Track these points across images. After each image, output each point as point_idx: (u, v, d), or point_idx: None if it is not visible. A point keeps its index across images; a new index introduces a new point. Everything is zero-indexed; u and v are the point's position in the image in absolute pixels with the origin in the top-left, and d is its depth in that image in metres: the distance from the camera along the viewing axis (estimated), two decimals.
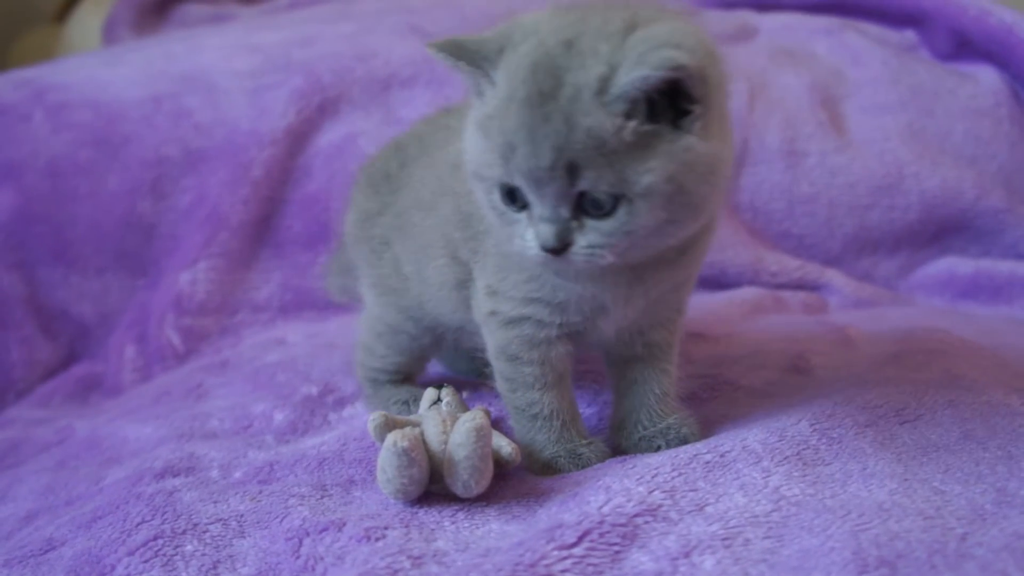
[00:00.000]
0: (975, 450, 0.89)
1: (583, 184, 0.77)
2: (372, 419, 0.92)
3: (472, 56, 0.81)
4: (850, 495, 0.79)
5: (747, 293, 1.74)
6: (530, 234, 0.82)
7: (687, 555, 0.71)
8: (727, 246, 1.83)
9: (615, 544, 0.73)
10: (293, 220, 1.78)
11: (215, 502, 0.92)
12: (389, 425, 0.92)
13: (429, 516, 0.83)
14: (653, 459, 0.87)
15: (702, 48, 0.79)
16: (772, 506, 0.77)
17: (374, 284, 1.16)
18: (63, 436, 1.30)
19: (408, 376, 1.21)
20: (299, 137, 1.84)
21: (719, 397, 1.11)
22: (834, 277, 1.85)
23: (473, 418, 0.86)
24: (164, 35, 2.34)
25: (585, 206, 0.79)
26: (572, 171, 0.77)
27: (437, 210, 1.04)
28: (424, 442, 0.87)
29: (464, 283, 1.02)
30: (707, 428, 1.01)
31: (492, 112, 0.80)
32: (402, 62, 1.93)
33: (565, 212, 0.79)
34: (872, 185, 1.90)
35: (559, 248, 0.80)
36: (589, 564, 0.71)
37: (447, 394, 1.01)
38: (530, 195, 0.80)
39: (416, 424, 0.92)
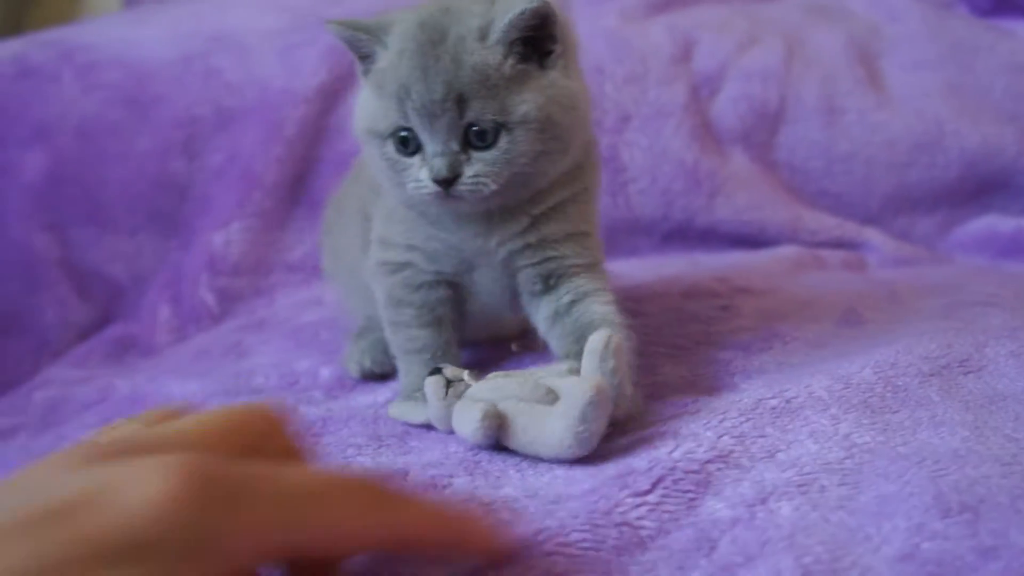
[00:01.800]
0: None
1: (471, 115, 0.89)
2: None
3: (367, 27, 0.93)
4: (922, 442, 0.77)
5: (787, 251, 1.72)
6: (424, 173, 0.91)
7: (763, 501, 0.70)
8: (765, 204, 1.81)
9: (689, 491, 0.71)
10: (327, 179, 1.76)
11: None
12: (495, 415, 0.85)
13: (493, 465, 0.82)
14: (717, 404, 0.86)
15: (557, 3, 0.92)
16: (844, 453, 0.76)
17: None
18: (105, 394, 1.29)
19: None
20: (331, 95, 1.81)
21: (773, 348, 1.10)
22: (873, 235, 1.83)
23: (608, 337, 0.84)
24: None
25: (471, 139, 0.90)
26: (461, 103, 0.88)
27: (358, 183, 1.19)
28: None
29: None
30: (765, 376, 0.99)
31: (386, 66, 0.91)
32: None
33: (455, 145, 0.90)
34: (911, 143, 1.88)
35: (451, 178, 0.90)
36: (665, 511, 0.69)
37: (456, 372, 0.93)
38: (423, 133, 0.90)
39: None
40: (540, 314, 1.04)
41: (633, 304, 1.32)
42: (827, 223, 1.83)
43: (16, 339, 1.64)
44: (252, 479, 0.48)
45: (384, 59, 0.92)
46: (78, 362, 1.57)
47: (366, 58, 0.95)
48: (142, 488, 0.44)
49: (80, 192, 1.72)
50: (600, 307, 1.01)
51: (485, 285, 1.05)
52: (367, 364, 1.16)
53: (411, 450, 0.89)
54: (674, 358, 1.09)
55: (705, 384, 1.01)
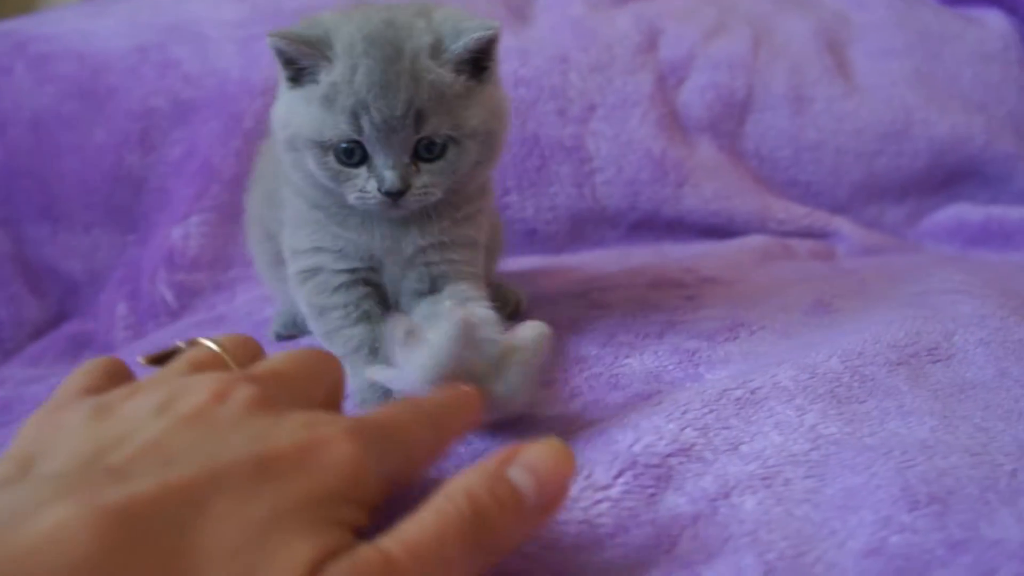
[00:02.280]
0: (1013, 387, 0.85)
1: (427, 129, 0.91)
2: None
3: (310, 40, 0.92)
4: (889, 433, 0.75)
5: (755, 240, 1.71)
6: (371, 184, 0.93)
7: (726, 496, 0.67)
8: (733, 193, 1.79)
9: (649, 486, 0.69)
10: None
11: None
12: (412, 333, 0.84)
13: (449, 460, 0.79)
14: (680, 395, 0.83)
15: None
16: (810, 445, 0.73)
17: None
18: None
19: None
20: None
21: (739, 338, 1.07)
22: (842, 224, 1.82)
23: (542, 325, 0.85)
24: None
25: (420, 152, 0.93)
26: (419, 118, 0.91)
27: (253, 192, 1.22)
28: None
29: (279, 259, 1.13)
30: (731, 366, 0.97)
31: (337, 81, 0.90)
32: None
33: (405, 158, 0.92)
34: (880, 131, 1.87)
35: (403, 190, 0.93)
36: (624, 507, 0.67)
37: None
38: (375, 147, 0.92)
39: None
40: (418, 313, 1.06)
41: (597, 295, 1.30)
42: (796, 212, 1.82)
43: None
44: (382, 427, 0.58)
45: (332, 73, 0.91)
46: (32, 361, 1.53)
47: (300, 68, 0.94)
48: (337, 449, 0.52)
49: (34, 186, 1.68)
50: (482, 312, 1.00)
51: (392, 281, 1.07)
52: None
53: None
54: (638, 349, 1.06)
55: (668, 375, 0.98)
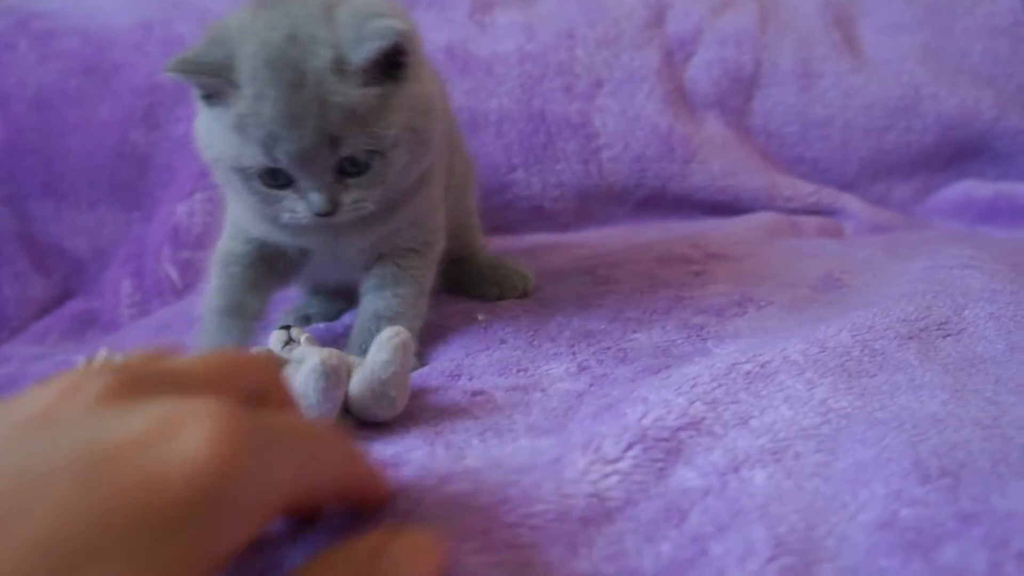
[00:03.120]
0: (1023, 361, 0.85)
1: (344, 151, 0.89)
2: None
3: (210, 68, 0.88)
4: (900, 406, 0.74)
5: (763, 217, 1.70)
6: (300, 205, 0.92)
7: (736, 470, 0.67)
8: (740, 170, 1.78)
9: (659, 460, 0.68)
10: None
11: None
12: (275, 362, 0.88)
13: (455, 436, 0.79)
14: (689, 369, 0.83)
15: (395, 8, 0.94)
16: (820, 419, 0.73)
17: None
18: (60, 371, 1.25)
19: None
20: None
21: (748, 313, 1.07)
22: (849, 201, 1.81)
23: (397, 334, 0.84)
24: None
25: (345, 168, 0.91)
26: (333, 143, 0.88)
27: None
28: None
29: None
30: (740, 340, 0.97)
31: (245, 111, 0.87)
32: None
33: (329, 178, 0.91)
34: (888, 107, 1.86)
35: (332, 209, 0.92)
36: (634, 480, 0.66)
37: (298, 333, 0.95)
38: (296, 173, 0.90)
39: (293, 361, 0.87)
40: (364, 285, 1.08)
41: (604, 271, 1.30)
42: (803, 189, 1.81)
43: None
44: (277, 429, 0.46)
45: (239, 101, 0.88)
46: (37, 338, 1.53)
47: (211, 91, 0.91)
48: (193, 436, 0.39)
49: (38, 164, 1.67)
50: (390, 299, 1.05)
51: (325, 263, 1.09)
52: None
53: (369, 424, 0.86)
54: (646, 324, 1.06)
55: (677, 350, 0.98)
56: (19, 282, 1.62)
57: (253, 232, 1.06)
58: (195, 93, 0.94)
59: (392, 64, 0.91)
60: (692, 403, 0.75)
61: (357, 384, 0.83)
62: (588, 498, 0.64)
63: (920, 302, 0.98)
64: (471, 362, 0.99)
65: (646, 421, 0.72)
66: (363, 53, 0.87)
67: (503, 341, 1.05)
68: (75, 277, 1.67)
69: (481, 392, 0.88)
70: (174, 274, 1.62)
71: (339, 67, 0.88)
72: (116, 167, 1.70)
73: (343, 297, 1.25)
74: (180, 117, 1.72)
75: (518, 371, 0.96)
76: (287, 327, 0.96)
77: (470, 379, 0.92)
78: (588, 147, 1.78)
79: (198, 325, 1.08)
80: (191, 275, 1.63)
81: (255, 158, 0.89)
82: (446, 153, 1.12)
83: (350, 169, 0.91)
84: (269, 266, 1.08)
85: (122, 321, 1.57)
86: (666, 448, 0.70)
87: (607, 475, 0.66)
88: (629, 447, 0.69)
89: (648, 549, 0.60)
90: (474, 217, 1.36)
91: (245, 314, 1.06)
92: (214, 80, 0.88)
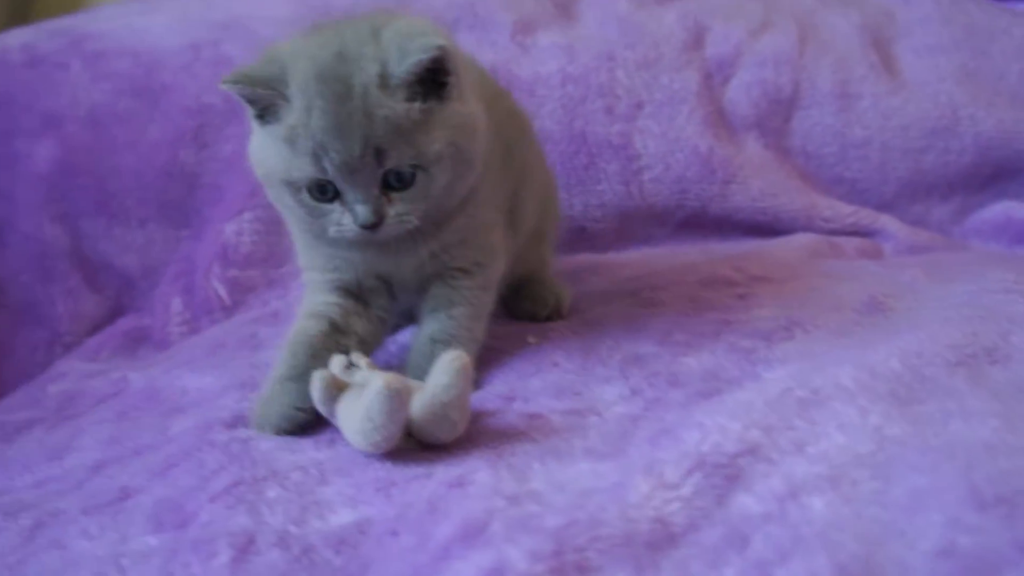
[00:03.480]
0: None
1: (389, 163, 0.93)
2: (318, 377, 0.92)
3: (264, 82, 0.94)
4: (952, 434, 0.76)
5: (803, 238, 1.71)
6: (347, 218, 0.96)
7: (794, 496, 0.69)
8: (779, 191, 1.80)
9: (718, 486, 0.71)
10: None
11: (292, 451, 0.90)
12: (336, 385, 0.92)
13: (515, 459, 0.81)
14: (742, 395, 0.85)
15: (438, 30, 0.98)
16: (875, 446, 0.75)
17: None
18: (119, 388, 1.28)
19: None
20: None
21: (795, 337, 1.09)
22: (888, 222, 1.82)
23: (457, 357, 0.88)
24: None
25: (390, 182, 0.95)
26: (379, 155, 0.92)
27: None
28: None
29: None
30: (789, 365, 0.98)
31: (295, 123, 0.93)
32: (444, 6, 1.89)
33: (375, 191, 0.94)
34: (926, 128, 1.87)
35: (377, 222, 0.95)
36: (695, 506, 0.68)
37: (358, 357, 0.99)
38: (343, 185, 0.94)
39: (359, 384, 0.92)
40: (421, 308, 1.10)
41: (649, 293, 1.31)
42: (842, 210, 1.82)
43: (28, 331, 1.63)
44: None
45: (290, 114, 0.93)
46: (91, 355, 1.56)
47: (264, 106, 0.96)
48: None
49: (90, 182, 1.71)
50: (445, 322, 1.07)
51: (404, 297, 1.11)
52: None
53: (430, 447, 0.88)
54: (694, 347, 1.08)
55: (726, 374, 1.00)
56: (72, 298, 1.66)
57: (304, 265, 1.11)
58: (249, 112, 0.99)
59: (435, 83, 0.95)
60: (747, 429, 0.77)
61: (419, 407, 0.86)
62: (652, 523, 0.66)
63: (966, 328, 0.99)
64: (525, 385, 1.02)
65: (704, 447, 0.74)
66: (405, 66, 0.93)
67: (555, 364, 1.07)
68: (126, 294, 1.70)
69: (538, 415, 0.90)
70: (223, 292, 1.65)
71: (384, 81, 0.93)
72: (166, 186, 1.73)
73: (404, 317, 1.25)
74: (229, 137, 1.75)
75: (572, 394, 0.98)
76: (347, 351, 1.00)
77: (525, 402, 0.94)
78: (629, 168, 1.80)
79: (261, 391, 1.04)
80: (239, 293, 1.65)
81: (304, 169, 0.94)
82: (501, 175, 1.14)
83: (394, 183, 0.95)
84: (336, 344, 1.06)
85: (172, 338, 1.59)
86: (725, 474, 0.72)
87: (669, 500, 0.69)
88: (689, 473, 0.71)
89: (713, 575, 0.62)
90: (548, 244, 1.38)
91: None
92: (267, 92, 0.94)
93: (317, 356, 1.02)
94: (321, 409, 0.93)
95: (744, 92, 1.89)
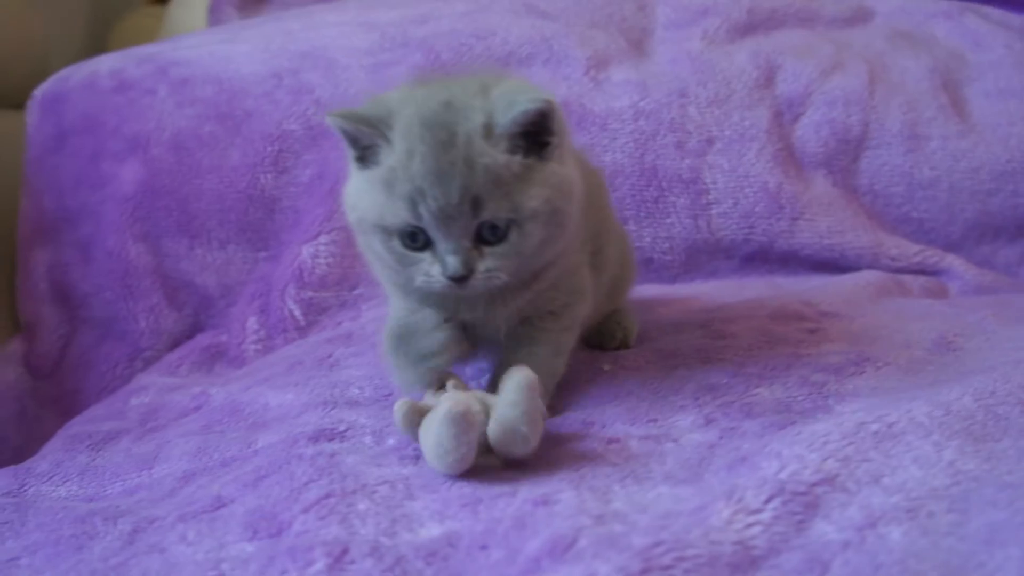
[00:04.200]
0: None
1: (485, 214, 0.93)
2: (399, 406, 0.94)
3: (371, 121, 0.95)
4: None
5: (869, 276, 1.72)
6: (435, 269, 0.95)
7: (872, 526, 0.71)
8: (847, 229, 1.81)
9: (798, 513, 0.73)
10: None
11: (378, 465, 0.93)
12: (416, 411, 0.94)
13: (596, 480, 0.84)
14: (818, 427, 0.86)
15: (548, 91, 0.97)
16: (950, 480, 0.76)
17: None
18: (200, 402, 1.32)
19: None
20: None
21: (866, 372, 1.10)
22: (954, 262, 1.82)
23: (520, 372, 0.91)
24: (277, 15, 2.35)
25: (483, 235, 0.95)
26: (476, 204, 0.92)
27: None
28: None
29: None
30: (860, 400, 1.01)
31: (395, 166, 0.94)
32: (520, 41, 1.93)
33: (467, 243, 0.94)
34: (996, 170, 1.88)
35: (466, 274, 0.94)
36: (776, 531, 0.70)
37: (445, 377, 1.02)
38: (436, 233, 0.94)
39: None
40: (505, 344, 1.10)
41: (720, 325, 1.33)
42: (908, 249, 1.83)
43: (111, 345, 1.69)
44: None
45: (391, 156, 0.94)
46: (170, 369, 1.61)
47: (364, 147, 0.98)
48: None
49: (173, 204, 1.76)
50: (525, 359, 1.03)
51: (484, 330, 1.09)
52: None
53: (511, 466, 0.91)
54: (767, 380, 1.10)
55: (798, 406, 1.02)
56: (153, 315, 1.71)
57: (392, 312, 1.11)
58: (349, 154, 1.00)
59: (538, 142, 0.96)
60: (825, 460, 0.80)
61: (492, 425, 0.89)
62: (734, 545, 0.69)
63: None
64: (602, 411, 1.04)
65: (783, 475, 0.77)
66: (512, 115, 0.93)
67: (630, 392, 1.09)
68: (204, 312, 1.75)
69: (616, 440, 0.93)
70: (298, 312, 1.69)
71: (488, 131, 0.94)
72: (245, 209, 1.78)
73: None
74: (308, 163, 1.80)
75: (648, 421, 1.00)
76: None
77: (603, 427, 0.97)
78: (698, 202, 1.82)
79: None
80: (313, 314, 1.69)
81: (399, 215, 0.94)
82: (584, 218, 1.12)
83: (488, 236, 0.95)
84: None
85: (248, 356, 1.64)
86: (804, 502, 0.74)
87: (750, 525, 0.71)
88: (770, 499, 0.73)
89: None
90: (624, 292, 1.38)
91: None
92: (371, 131, 0.95)
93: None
94: (405, 434, 0.96)
95: (813, 131, 1.91)
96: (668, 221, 1.81)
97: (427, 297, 1.04)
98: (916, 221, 1.88)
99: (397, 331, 1.03)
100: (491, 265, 0.95)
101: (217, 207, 1.77)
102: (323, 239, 1.74)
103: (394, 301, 1.14)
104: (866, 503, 0.74)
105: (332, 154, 1.79)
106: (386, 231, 0.97)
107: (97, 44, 2.94)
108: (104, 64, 1.90)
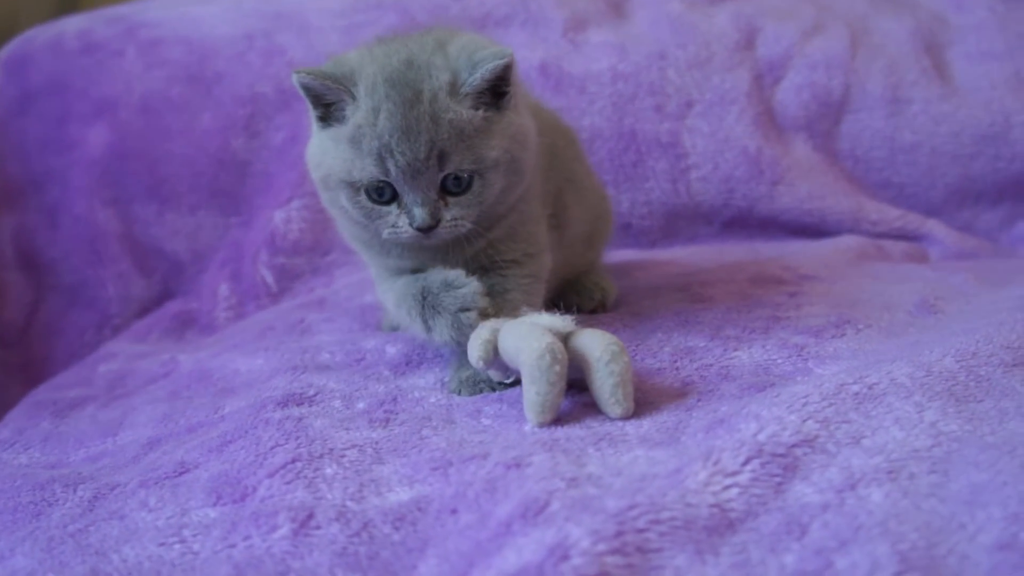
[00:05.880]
0: None
1: (450, 167, 0.97)
2: (478, 342, 0.94)
3: (335, 78, 0.98)
4: (1010, 432, 0.76)
5: (849, 240, 1.71)
6: (402, 220, 0.99)
7: (852, 487, 0.69)
8: (827, 194, 1.80)
9: (776, 475, 0.71)
10: None
11: (346, 429, 0.91)
12: (492, 340, 0.94)
13: (571, 444, 0.81)
14: (798, 388, 0.85)
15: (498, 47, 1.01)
16: (931, 441, 0.74)
17: None
18: (168, 369, 1.30)
19: None
20: None
21: (847, 335, 1.08)
22: (935, 227, 1.81)
23: (607, 337, 0.90)
24: None
25: (448, 186, 0.98)
26: (441, 158, 0.96)
27: None
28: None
29: None
30: (841, 361, 0.99)
31: (362, 123, 0.97)
32: (496, 2, 1.90)
33: (433, 195, 0.98)
34: (977, 134, 1.86)
35: (433, 224, 0.98)
36: (753, 493, 0.68)
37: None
38: (403, 187, 0.97)
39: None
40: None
41: (699, 289, 1.31)
42: (889, 214, 1.81)
43: (79, 312, 1.66)
44: None
45: (356, 114, 0.97)
46: (139, 337, 1.58)
47: (326, 105, 1.00)
48: None
49: (142, 168, 1.73)
50: (500, 304, 1.06)
51: None
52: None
53: (486, 429, 0.89)
54: (745, 342, 1.08)
55: (778, 369, 1.00)
56: (122, 281, 1.68)
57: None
58: (311, 114, 1.02)
59: (497, 93, 0.99)
60: (804, 421, 0.78)
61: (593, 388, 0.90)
62: (710, 508, 0.67)
63: (1021, 330, 0.98)
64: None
65: (761, 436, 0.75)
66: (479, 74, 0.96)
67: None
68: (174, 278, 1.73)
69: (591, 403, 0.91)
70: (270, 278, 1.67)
71: (454, 88, 0.97)
72: (216, 173, 1.75)
73: None
74: (279, 126, 1.77)
75: None
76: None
77: (578, 391, 0.95)
78: (677, 166, 1.80)
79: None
80: (286, 280, 1.67)
81: (367, 170, 0.97)
82: (544, 175, 1.15)
83: (452, 188, 0.98)
84: None
85: (219, 323, 1.61)
86: (783, 464, 0.72)
87: (727, 487, 0.69)
88: (747, 461, 0.71)
89: (772, 560, 0.62)
90: (597, 250, 1.38)
91: None
92: (336, 88, 0.98)
93: None
94: (486, 368, 0.96)
95: (794, 94, 1.89)
96: (647, 186, 1.79)
97: (391, 249, 1.07)
98: (897, 186, 1.87)
99: (418, 291, 1.03)
100: (456, 214, 0.99)
101: (187, 171, 1.75)
102: (295, 204, 1.71)
103: (375, 270, 1.17)
104: (846, 464, 0.72)
105: (304, 118, 1.72)
106: (353, 186, 0.99)
107: (68, 4, 2.88)
108: (71, 25, 1.86)
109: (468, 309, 1.00)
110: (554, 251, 1.17)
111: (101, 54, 1.80)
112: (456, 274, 1.03)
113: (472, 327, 0.98)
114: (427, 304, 1.02)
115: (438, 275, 1.03)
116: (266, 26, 1.86)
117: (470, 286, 1.01)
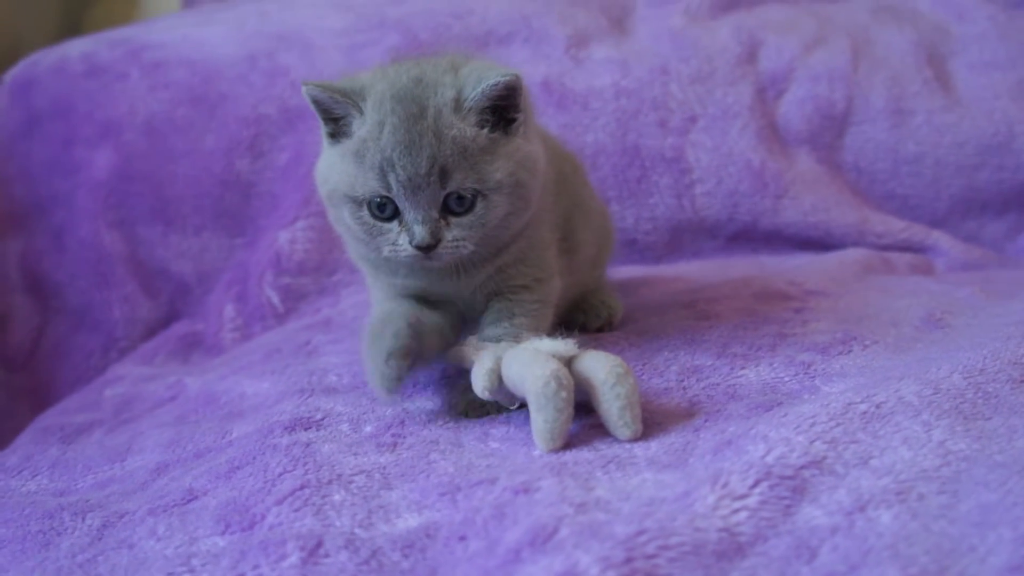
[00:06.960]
0: None
1: (452, 185, 0.96)
2: (483, 373, 0.94)
3: (344, 92, 0.98)
4: (1019, 450, 0.75)
5: (855, 253, 1.71)
6: (403, 238, 0.98)
7: (861, 509, 0.69)
8: (831, 206, 1.79)
9: (785, 497, 0.71)
10: None
11: (354, 454, 0.91)
12: (497, 370, 0.94)
13: (579, 468, 0.81)
14: (805, 408, 0.84)
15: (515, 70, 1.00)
16: (940, 460, 0.74)
17: None
18: (175, 392, 1.30)
19: None
20: None
21: (853, 351, 1.08)
22: (940, 239, 1.81)
23: (611, 359, 0.89)
24: None
25: (450, 205, 0.97)
26: (443, 175, 0.95)
27: None
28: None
29: None
30: (848, 379, 0.99)
31: (366, 137, 0.97)
32: (499, 19, 1.91)
33: (434, 213, 0.97)
34: (981, 144, 1.86)
35: (433, 244, 0.96)
36: (763, 517, 0.68)
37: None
38: (404, 202, 0.96)
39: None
40: (482, 320, 1.10)
41: (704, 305, 1.31)
42: (894, 226, 1.81)
43: (86, 334, 1.66)
44: None
45: (362, 128, 0.98)
46: (146, 359, 1.58)
47: (336, 120, 1.00)
48: None
49: (147, 189, 1.74)
50: (507, 328, 1.07)
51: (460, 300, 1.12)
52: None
53: (493, 452, 0.89)
54: (753, 360, 1.08)
55: (785, 387, 1.00)
56: (128, 304, 1.68)
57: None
58: (322, 129, 1.02)
59: (504, 118, 0.99)
60: (812, 442, 0.77)
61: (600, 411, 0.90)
62: (719, 532, 0.67)
63: None
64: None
65: (769, 459, 0.74)
66: (481, 89, 0.96)
67: None
68: (180, 300, 1.73)
69: (598, 425, 0.91)
70: (275, 299, 1.67)
71: (458, 104, 0.97)
72: (221, 194, 1.75)
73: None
74: (284, 146, 1.77)
75: None
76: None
77: (586, 412, 0.94)
78: (681, 181, 1.80)
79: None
80: (292, 300, 1.67)
81: (368, 184, 0.97)
82: (555, 200, 1.15)
83: (454, 207, 0.97)
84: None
85: (225, 344, 1.61)
86: (791, 486, 0.72)
87: (736, 510, 0.69)
88: (756, 484, 0.71)
89: None
90: (603, 269, 1.39)
91: None
92: (345, 102, 0.98)
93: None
94: (494, 397, 0.95)
95: (797, 107, 1.89)
96: (651, 201, 1.79)
97: (396, 269, 1.06)
98: (901, 197, 1.87)
99: (370, 327, 1.02)
100: (457, 235, 0.98)
101: (192, 192, 1.75)
102: (300, 224, 1.71)
103: (374, 293, 1.16)
104: (855, 486, 0.72)
105: (309, 137, 1.76)
106: (355, 201, 0.99)
107: (71, 28, 2.89)
108: (75, 48, 1.87)
109: (394, 352, 0.96)
110: (564, 276, 1.17)
111: (105, 77, 1.81)
112: (399, 311, 1.02)
113: (399, 379, 0.96)
114: (370, 343, 0.99)
115: (388, 307, 1.05)
116: (269, 47, 1.86)
117: (395, 323, 0.98)
